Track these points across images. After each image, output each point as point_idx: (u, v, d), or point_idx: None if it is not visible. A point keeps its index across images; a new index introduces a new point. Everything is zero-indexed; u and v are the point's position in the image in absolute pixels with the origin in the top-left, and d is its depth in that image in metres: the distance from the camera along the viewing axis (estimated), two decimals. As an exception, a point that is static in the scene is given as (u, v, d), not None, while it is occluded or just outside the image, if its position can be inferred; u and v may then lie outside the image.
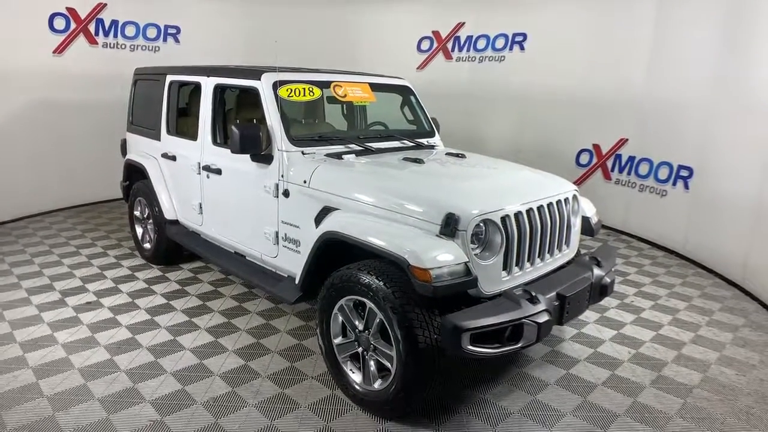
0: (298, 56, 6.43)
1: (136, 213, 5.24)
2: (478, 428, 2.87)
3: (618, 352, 3.73)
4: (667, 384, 3.35)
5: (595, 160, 6.93)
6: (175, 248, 4.92)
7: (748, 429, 2.94)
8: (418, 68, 8.32)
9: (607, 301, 4.50)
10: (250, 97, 3.80)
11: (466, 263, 2.63)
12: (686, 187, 5.82)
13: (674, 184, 5.97)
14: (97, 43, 6.97)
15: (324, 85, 3.88)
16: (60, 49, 6.67)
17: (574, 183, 5.29)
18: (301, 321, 4.05)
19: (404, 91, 4.53)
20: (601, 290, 3.24)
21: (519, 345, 2.65)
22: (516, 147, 7.46)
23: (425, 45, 8.27)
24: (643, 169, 6.36)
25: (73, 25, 6.71)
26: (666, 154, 6.06)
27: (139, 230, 5.25)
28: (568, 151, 7.12)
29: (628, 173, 6.56)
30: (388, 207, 2.93)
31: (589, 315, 4.28)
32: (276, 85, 3.56)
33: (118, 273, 4.91)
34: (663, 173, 6.10)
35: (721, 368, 3.57)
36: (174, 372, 3.32)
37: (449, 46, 8.10)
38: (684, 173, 5.84)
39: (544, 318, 2.68)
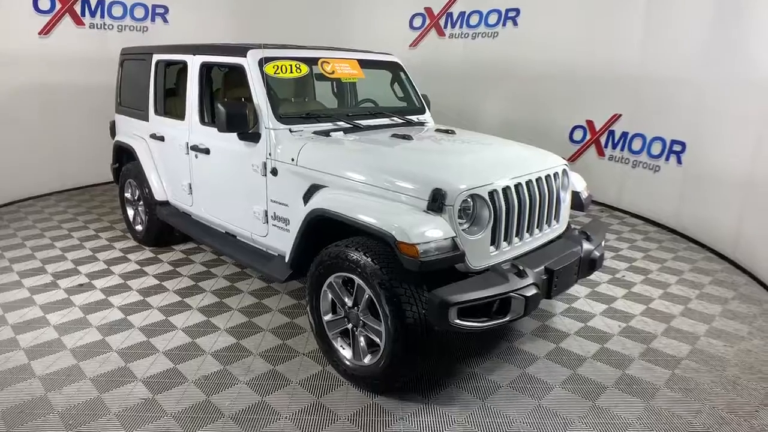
0: (288, 35, 6.33)
1: (127, 195, 5.21)
2: (468, 401, 2.90)
3: (608, 326, 3.76)
4: (656, 356, 3.39)
5: (588, 137, 6.89)
6: (166, 230, 4.91)
7: (735, 398, 2.98)
8: (410, 46, 8.22)
9: (598, 276, 4.54)
10: (237, 75, 3.74)
11: (453, 238, 2.63)
12: (679, 161, 5.81)
13: (667, 159, 5.95)
14: (83, 24, 6.85)
15: (312, 61, 3.83)
16: (46, 31, 6.55)
17: (568, 159, 5.27)
18: (293, 299, 4.06)
19: (394, 68, 4.48)
20: (590, 264, 3.25)
21: (507, 318, 2.67)
22: (509, 124, 7.42)
23: (417, 22, 8.16)
24: (637, 144, 6.33)
25: (58, 6, 6.58)
26: (659, 130, 6.03)
27: (130, 212, 5.23)
28: (561, 127, 7.07)
29: (622, 149, 6.54)
30: (376, 183, 2.91)
31: (579, 290, 4.30)
32: (262, 62, 3.51)
33: (111, 255, 4.90)
34: (656, 148, 6.08)
35: (710, 340, 3.61)
36: (166, 351, 3.33)
37: (442, 22, 7.99)
38: (677, 148, 5.82)
39: (531, 291, 2.69)
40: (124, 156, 5.16)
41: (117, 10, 7.11)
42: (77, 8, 6.75)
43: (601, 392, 3.00)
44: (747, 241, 4.84)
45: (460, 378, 3.11)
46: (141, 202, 4.98)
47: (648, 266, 4.88)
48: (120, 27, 7.18)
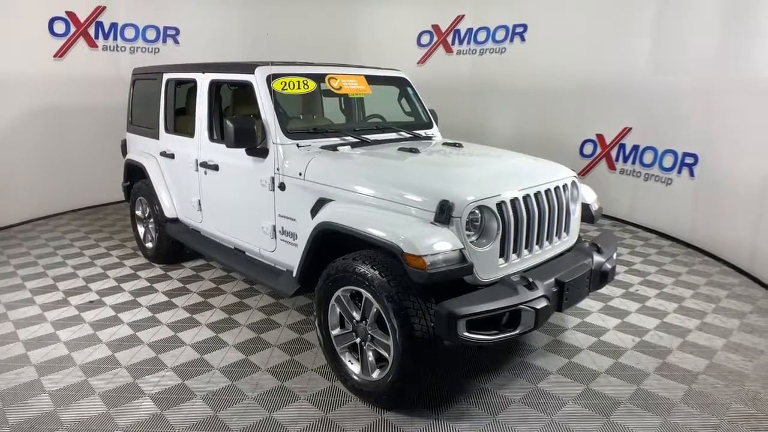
0: (298, 54, 6.41)
1: (138, 212, 5.26)
2: (478, 417, 2.84)
3: (622, 341, 3.68)
4: (671, 371, 3.31)
5: (599, 150, 6.86)
6: (176, 247, 4.93)
7: (755, 414, 2.89)
8: (418, 63, 8.30)
9: (611, 290, 4.47)
10: (246, 92, 3.78)
11: (461, 250, 2.60)
12: (692, 174, 5.74)
13: (679, 172, 5.89)
14: (97, 46, 7.01)
15: (319, 78, 3.87)
16: (61, 53, 6.71)
17: (579, 174, 5.25)
18: (301, 315, 4.04)
19: (401, 83, 4.50)
20: (601, 277, 3.20)
21: (517, 331, 2.62)
22: (519, 139, 7.41)
23: (425, 39, 8.24)
24: (648, 157, 6.28)
25: (73, 29, 6.75)
26: (670, 142, 5.98)
27: (140, 230, 5.27)
28: (571, 141, 7.06)
29: (633, 162, 6.49)
30: (383, 196, 2.91)
31: (592, 304, 4.23)
32: (270, 79, 3.55)
33: (121, 272, 4.93)
34: (668, 161, 6.03)
35: (728, 354, 3.52)
36: (174, 367, 3.32)
37: (449, 39, 8.07)
38: (689, 161, 5.76)
39: (542, 304, 2.64)
40: (135, 174, 5.21)
41: (129, 32, 7.26)
42: (91, 31, 6.91)
43: (615, 408, 2.93)
44: (764, 253, 4.74)
45: (471, 393, 3.05)
46: (151, 220, 5.02)
47: (662, 280, 4.80)
48: (132, 49, 7.33)
